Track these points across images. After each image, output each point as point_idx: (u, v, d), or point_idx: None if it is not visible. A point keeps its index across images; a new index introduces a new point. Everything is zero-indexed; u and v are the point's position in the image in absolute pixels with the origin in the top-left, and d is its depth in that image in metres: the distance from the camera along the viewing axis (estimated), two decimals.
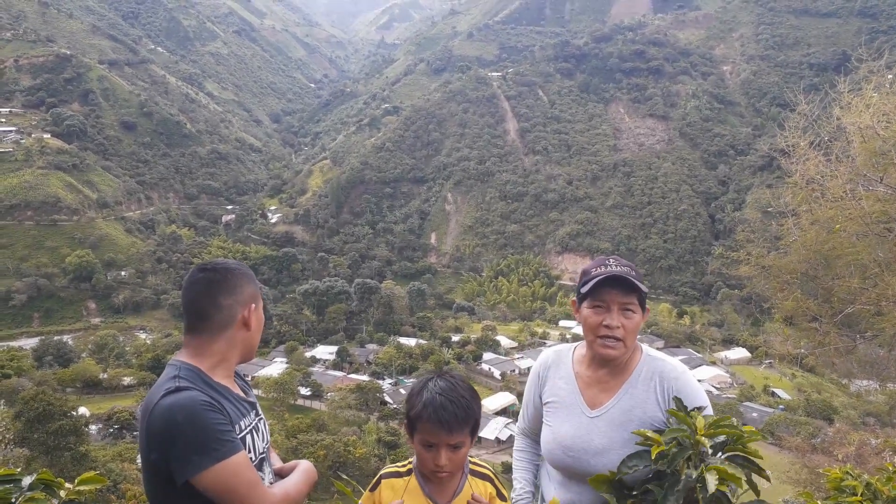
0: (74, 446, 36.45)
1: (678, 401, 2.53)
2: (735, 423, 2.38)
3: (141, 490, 28.15)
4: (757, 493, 2.40)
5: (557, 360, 3.04)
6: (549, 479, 3.01)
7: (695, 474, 2.21)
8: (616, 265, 2.75)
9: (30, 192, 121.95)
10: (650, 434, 2.41)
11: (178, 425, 2.12)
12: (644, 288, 2.71)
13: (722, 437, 2.35)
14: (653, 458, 2.32)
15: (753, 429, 2.38)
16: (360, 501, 2.76)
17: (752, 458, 2.35)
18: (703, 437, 2.29)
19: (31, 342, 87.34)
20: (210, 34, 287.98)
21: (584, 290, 2.78)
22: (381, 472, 2.81)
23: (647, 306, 2.81)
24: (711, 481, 2.14)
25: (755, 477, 2.28)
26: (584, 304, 2.80)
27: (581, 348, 2.98)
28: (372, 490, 2.73)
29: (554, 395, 2.97)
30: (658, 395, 2.73)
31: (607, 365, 2.83)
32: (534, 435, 3.19)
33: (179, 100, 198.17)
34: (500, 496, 2.74)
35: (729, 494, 2.22)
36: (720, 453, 2.32)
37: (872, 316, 8.40)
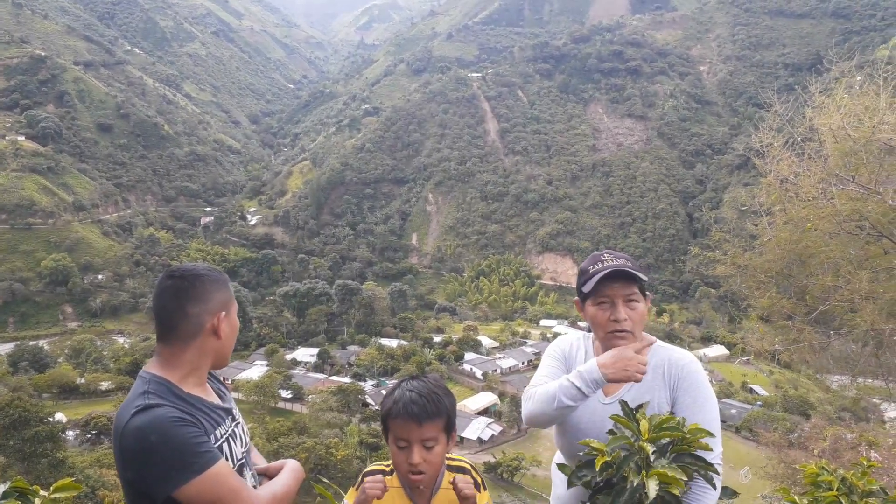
0: (51, 453, 35.87)
1: (624, 404, 2.53)
2: (679, 423, 2.37)
3: (119, 496, 27.83)
4: (714, 486, 2.43)
5: (581, 346, 3.09)
6: (559, 471, 3.03)
7: (637, 480, 2.21)
8: (612, 259, 2.79)
9: (4, 196, 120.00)
10: (594, 443, 2.40)
11: (153, 445, 2.10)
12: (643, 277, 2.76)
13: (667, 439, 2.35)
14: (597, 468, 2.33)
15: (698, 426, 2.38)
16: (346, 498, 2.76)
17: (699, 455, 2.35)
18: (646, 443, 2.30)
19: (7, 347, 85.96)
20: (187, 35, 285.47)
21: (585, 289, 2.80)
22: (365, 470, 2.82)
23: (648, 294, 2.85)
24: (652, 487, 2.16)
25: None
26: (589, 303, 2.84)
27: (597, 340, 3.02)
28: (357, 488, 2.74)
29: None
30: (665, 381, 2.79)
31: None
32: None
33: (157, 101, 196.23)
34: (477, 487, 2.75)
35: (677, 493, 2.21)
36: (665, 456, 2.32)
37: (846, 313, 8.54)
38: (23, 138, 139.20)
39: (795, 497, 2.97)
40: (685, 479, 2.21)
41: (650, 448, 2.27)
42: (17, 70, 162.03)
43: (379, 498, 2.61)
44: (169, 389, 2.26)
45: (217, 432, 2.33)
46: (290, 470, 2.56)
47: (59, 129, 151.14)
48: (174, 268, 2.42)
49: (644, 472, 2.22)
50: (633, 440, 2.33)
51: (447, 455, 2.78)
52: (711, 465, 2.36)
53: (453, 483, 2.68)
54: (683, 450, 2.34)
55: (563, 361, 3.10)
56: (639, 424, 2.37)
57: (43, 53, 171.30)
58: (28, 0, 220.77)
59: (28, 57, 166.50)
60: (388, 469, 2.75)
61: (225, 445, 2.35)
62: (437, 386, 2.64)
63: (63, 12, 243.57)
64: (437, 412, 2.56)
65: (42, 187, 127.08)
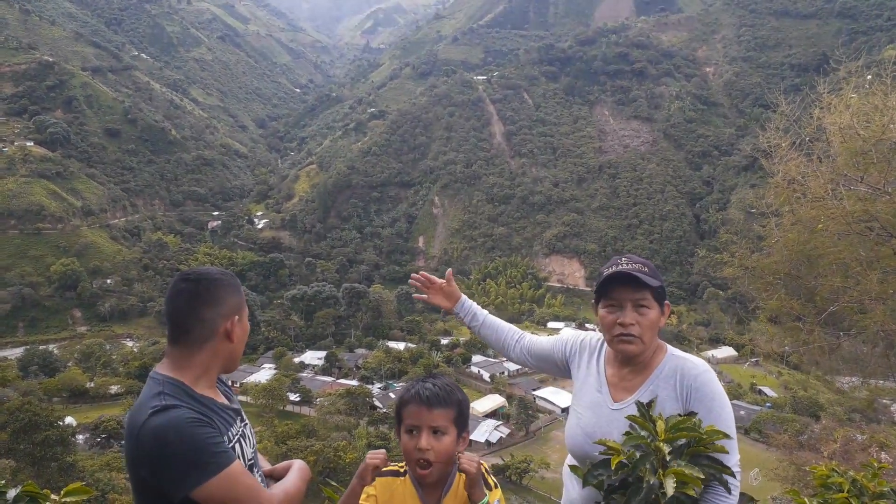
0: (61, 457, 36.05)
1: (640, 405, 2.52)
2: (695, 424, 2.36)
3: (128, 500, 27.90)
4: (728, 490, 2.41)
5: (594, 347, 3.07)
6: (570, 473, 3.01)
7: (653, 479, 2.20)
8: (627, 263, 2.77)
9: (13, 201, 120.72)
10: (610, 443, 2.40)
11: (170, 445, 2.12)
12: (654, 282, 2.71)
13: (683, 440, 2.34)
14: (613, 467, 2.32)
15: (714, 427, 2.37)
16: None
17: (715, 457, 2.34)
18: (663, 443, 2.28)
19: (17, 352, 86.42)
20: (194, 40, 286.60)
21: (596, 290, 2.82)
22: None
23: (667, 303, 2.81)
24: (669, 485, 2.15)
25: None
26: (600, 305, 2.84)
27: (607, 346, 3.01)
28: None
29: (583, 383, 3.03)
30: (677, 392, 2.73)
31: (630, 364, 2.85)
32: (532, 348, 3.29)
33: (164, 106, 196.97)
34: (486, 485, 2.74)
35: (693, 494, 2.21)
36: (681, 457, 2.30)
37: (855, 314, 8.50)
38: (31, 144, 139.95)
39: (806, 499, 2.95)
40: (702, 478, 2.19)
41: (667, 448, 2.26)
42: (26, 76, 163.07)
43: (378, 467, 2.66)
44: (183, 391, 2.28)
45: (229, 433, 2.35)
46: (299, 469, 2.59)
47: (68, 134, 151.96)
48: (188, 271, 2.44)
49: (661, 471, 2.21)
50: (649, 440, 2.32)
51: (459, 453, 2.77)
52: (728, 467, 2.35)
53: (457, 457, 2.69)
54: (699, 451, 2.33)
55: (568, 346, 3.14)
56: (655, 425, 2.36)
57: (51, 59, 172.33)
58: (36, 6, 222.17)
59: (36, 63, 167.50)
60: (402, 471, 2.76)
61: (237, 446, 2.37)
62: (451, 382, 2.75)
63: (71, 18, 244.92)
64: (448, 400, 2.64)
65: (51, 192, 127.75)
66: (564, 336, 3.23)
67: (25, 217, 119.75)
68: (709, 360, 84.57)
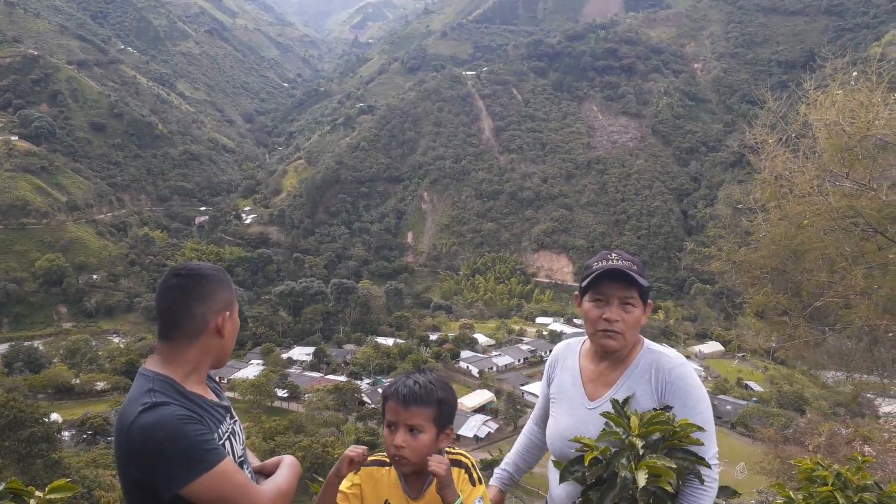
0: (47, 453, 35.74)
1: (615, 402, 2.55)
2: (669, 418, 2.38)
3: (115, 497, 27.78)
4: (702, 481, 2.43)
5: (566, 353, 3.08)
6: (554, 469, 3.05)
7: (627, 474, 2.22)
8: (618, 259, 2.77)
9: None
10: (585, 440, 2.41)
11: (161, 442, 2.10)
12: (644, 282, 2.73)
13: (657, 435, 2.36)
14: (586, 464, 2.33)
15: (689, 421, 2.39)
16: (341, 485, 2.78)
17: (690, 449, 2.37)
18: (636, 438, 2.30)
19: (1, 348, 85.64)
20: (181, 34, 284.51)
21: (584, 283, 2.80)
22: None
23: (649, 301, 2.82)
24: (641, 478, 2.18)
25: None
26: (586, 298, 2.83)
27: (587, 342, 3.00)
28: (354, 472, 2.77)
29: (559, 387, 3.03)
30: (653, 386, 2.73)
31: (607, 358, 2.85)
32: (542, 423, 3.26)
33: (150, 100, 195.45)
34: (471, 480, 2.73)
35: (669, 489, 2.24)
36: (657, 451, 2.32)
37: (841, 309, 8.56)
38: (16, 138, 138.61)
39: (791, 492, 2.97)
40: (673, 467, 2.23)
41: (640, 443, 2.28)
42: (10, 69, 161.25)
43: (354, 460, 2.65)
44: (173, 387, 2.26)
45: (220, 430, 2.35)
46: (289, 465, 2.57)
47: (53, 128, 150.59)
48: (179, 266, 2.42)
49: (633, 464, 2.24)
50: (623, 436, 2.34)
51: (448, 448, 2.77)
52: (703, 458, 2.37)
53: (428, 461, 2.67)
54: (675, 445, 2.35)
55: (548, 376, 3.15)
56: (629, 421, 2.37)
57: (36, 53, 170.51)
58: None
59: (21, 56, 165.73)
60: (387, 460, 2.77)
61: (227, 443, 2.36)
62: (437, 380, 2.70)
63: (56, 11, 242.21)
64: (425, 400, 2.61)
65: (36, 187, 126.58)
66: (544, 375, 3.24)
67: (10, 212, 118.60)
68: (695, 356, 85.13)
